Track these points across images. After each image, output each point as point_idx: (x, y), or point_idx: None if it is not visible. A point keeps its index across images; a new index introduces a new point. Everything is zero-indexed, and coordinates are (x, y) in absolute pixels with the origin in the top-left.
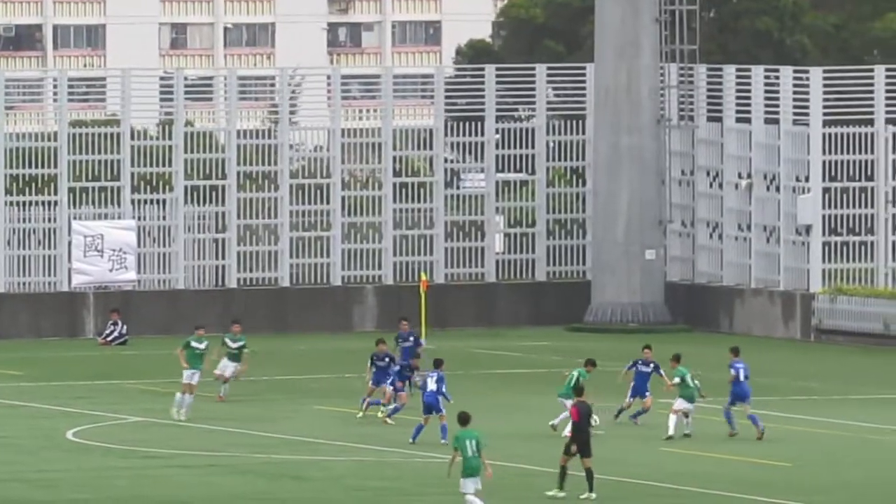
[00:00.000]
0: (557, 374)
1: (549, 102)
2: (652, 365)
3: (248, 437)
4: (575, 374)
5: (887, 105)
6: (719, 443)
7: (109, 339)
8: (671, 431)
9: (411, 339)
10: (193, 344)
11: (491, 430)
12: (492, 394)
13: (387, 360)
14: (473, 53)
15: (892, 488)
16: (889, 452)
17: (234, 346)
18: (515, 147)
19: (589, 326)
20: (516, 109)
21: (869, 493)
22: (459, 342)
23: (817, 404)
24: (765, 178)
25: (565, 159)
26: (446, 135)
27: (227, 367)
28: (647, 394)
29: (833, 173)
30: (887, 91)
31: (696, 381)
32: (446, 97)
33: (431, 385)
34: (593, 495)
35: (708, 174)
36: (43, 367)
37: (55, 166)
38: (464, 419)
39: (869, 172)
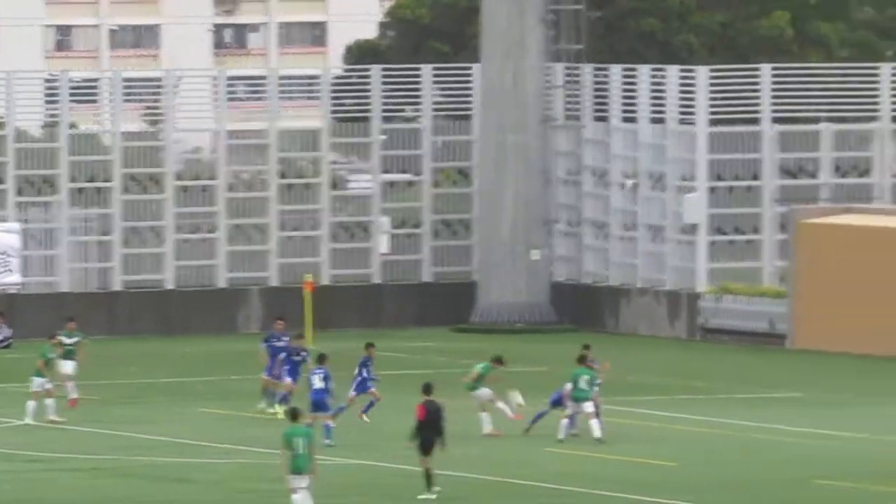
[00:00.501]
0: (443, 374)
1: (435, 103)
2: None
3: (132, 439)
4: (479, 367)
5: (773, 104)
6: (605, 443)
7: None
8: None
9: (284, 339)
10: (63, 339)
11: (375, 430)
12: (376, 395)
13: (284, 340)
14: (361, 53)
15: (777, 488)
16: (774, 452)
17: (70, 342)
18: (401, 148)
19: (475, 327)
20: (402, 110)
21: (754, 492)
22: (345, 343)
23: (702, 403)
24: (651, 177)
25: (451, 160)
26: (332, 136)
27: (65, 366)
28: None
29: (719, 172)
30: (773, 90)
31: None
32: (332, 98)
33: (318, 383)
34: (432, 496)
35: (594, 174)
36: None
37: None
38: (293, 415)
39: (754, 171)
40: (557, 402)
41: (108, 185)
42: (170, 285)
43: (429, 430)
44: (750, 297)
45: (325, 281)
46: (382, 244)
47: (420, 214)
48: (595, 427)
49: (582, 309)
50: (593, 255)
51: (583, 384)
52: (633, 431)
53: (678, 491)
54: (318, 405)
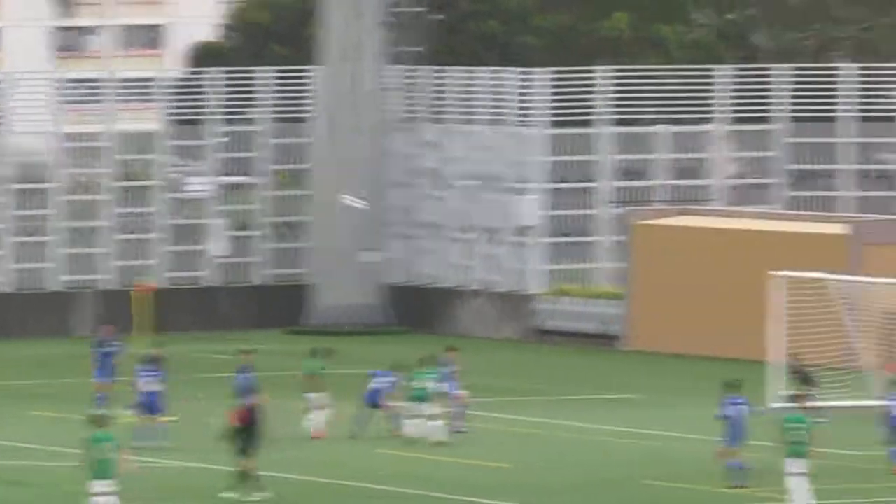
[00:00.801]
0: (278, 376)
1: (272, 106)
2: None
3: None
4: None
5: (611, 106)
6: (437, 445)
7: None
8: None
9: (115, 345)
10: None
11: (198, 432)
12: (209, 398)
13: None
14: (204, 55)
15: (613, 489)
16: (609, 454)
17: None
18: (238, 150)
19: (310, 329)
20: (240, 113)
21: (586, 493)
22: (181, 346)
23: (537, 405)
24: (488, 179)
25: (288, 163)
26: (169, 139)
27: None
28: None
29: (555, 174)
30: (612, 92)
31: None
32: (170, 101)
33: (151, 386)
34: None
35: (430, 176)
36: None
37: None
38: (98, 421)
39: (591, 173)
40: (373, 401)
41: None
42: (7, 289)
43: (248, 433)
44: (586, 298)
45: (161, 283)
46: (218, 247)
47: (256, 217)
48: (434, 430)
49: (417, 311)
50: (429, 257)
51: (423, 384)
52: (468, 433)
53: (511, 493)
54: (152, 407)
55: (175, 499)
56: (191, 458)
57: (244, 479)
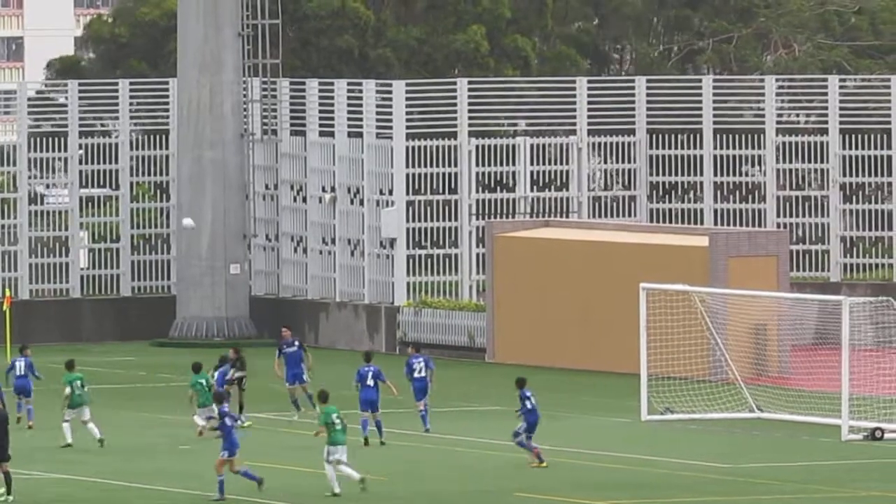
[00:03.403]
0: (143, 388)
1: (132, 118)
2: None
3: None
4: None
5: (469, 117)
6: (314, 456)
7: None
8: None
9: (296, 344)
10: None
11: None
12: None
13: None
14: (62, 68)
15: (480, 500)
16: (476, 464)
17: None
18: (99, 162)
19: (174, 341)
20: (100, 125)
21: None
22: (44, 358)
23: (404, 417)
24: (349, 191)
25: (149, 174)
26: (30, 151)
27: None
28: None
29: (416, 186)
30: (470, 104)
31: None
32: (29, 113)
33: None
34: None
35: (292, 188)
36: None
37: None
38: None
39: (452, 185)
40: None
41: None
42: None
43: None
44: (449, 310)
45: (24, 295)
46: (81, 258)
47: (119, 228)
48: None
49: (281, 323)
50: (292, 268)
51: (77, 389)
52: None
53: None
54: (23, 390)
55: None
56: (57, 468)
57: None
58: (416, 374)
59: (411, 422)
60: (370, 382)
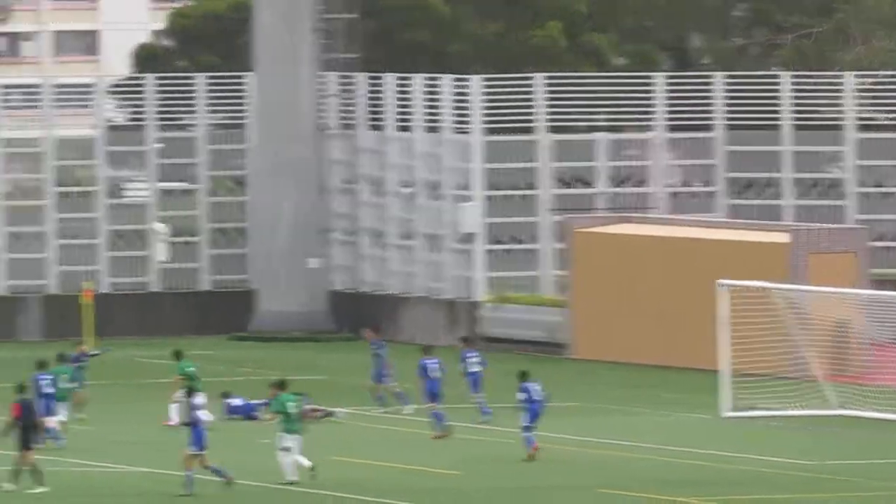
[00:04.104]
0: (221, 383)
1: (210, 112)
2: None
3: None
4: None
5: (548, 113)
6: (392, 452)
7: None
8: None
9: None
10: None
11: (147, 437)
12: (148, 402)
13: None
14: (140, 60)
15: (561, 495)
16: (554, 460)
17: None
18: (177, 156)
19: (253, 335)
20: (178, 119)
21: (538, 500)
22: (123, 351)
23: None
24: (427, 186)
25: (226, 169)
26: (107, 144)
27: None
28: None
29: (495, 182)
30: (548, 99)
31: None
32: (107, 106)
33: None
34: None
35: (370, 183)
36: None
37: None
38: None
39: (531, 181)
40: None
41: None
42: None
43: (25, 427)
44: (529, 306)
45: (103, 289)
46: (160, 252)
47: (197, 223)
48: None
49: (360, 317)
50: (371, 263)
51: (62, 384)
52: (415, 440)
53: (463, 498)
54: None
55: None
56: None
57: (26, 473)
58: (470, 369)
59: (493, 419)
60: (434, 375)
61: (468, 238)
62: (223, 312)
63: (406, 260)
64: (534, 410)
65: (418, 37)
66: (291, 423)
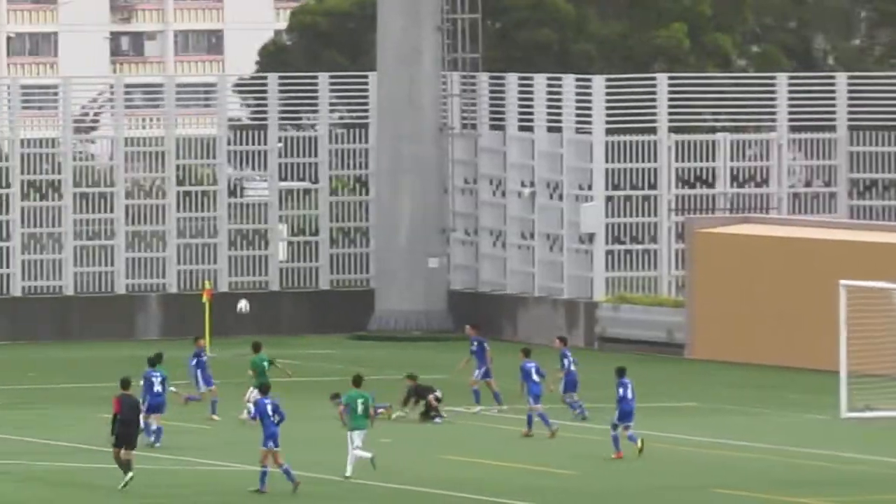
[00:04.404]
0: (340, 382)
1: (331, 111)
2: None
3: (32, 444)
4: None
5: (670, 114)
6: (507, 452)
7: None
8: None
9: (475, 343)
10: None
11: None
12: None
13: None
14: (264, 58)
15: (676, 495)
16: (671, 461)
17: None
18: (298, 156)
19: (373, 335)
20: (299, 118)
21: (652, 500)
22: (242, 350)
23: (600, 412)
24: (548, 186)
25: (348, 168)
26: (229, 144)
27: None
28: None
29: (616, 182)
30: (670, 99)
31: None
32: (229, 105)
33: (158, 386)
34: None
35: (491, 182)
36: None
37: None
38: None
39: (652, 181)
40: None
41: (7, 191)
42: (69, 291)
43: (126, 424)
44: (648, 306)
45: (223, 288)
46: (280, 251)
47: (317, 222)
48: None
49: (479, 317)
50: (490, 263)
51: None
52: (532, 440)
53: (577, 498)
54: (158, 407)
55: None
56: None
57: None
58: (571, 368)
59: (604, 417)
60: (535, 378)
61: (588, 238)
62: (342, 312)
63: (525, 260)
64: (623, 409)
65: (541, 35)
66: (358, 419)
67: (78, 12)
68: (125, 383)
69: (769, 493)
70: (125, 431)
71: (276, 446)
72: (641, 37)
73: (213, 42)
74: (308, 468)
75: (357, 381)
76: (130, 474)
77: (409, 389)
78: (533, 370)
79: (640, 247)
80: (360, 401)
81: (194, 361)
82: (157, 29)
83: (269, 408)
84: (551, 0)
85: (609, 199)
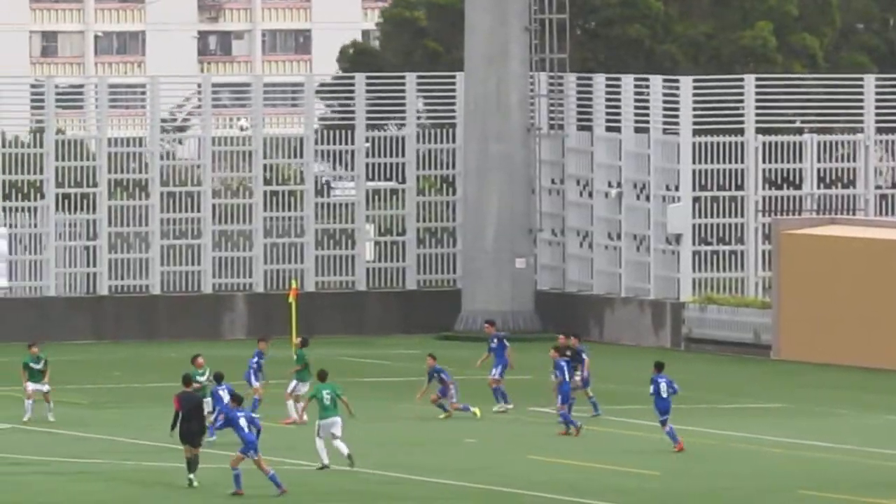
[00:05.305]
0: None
1: (419, 111)
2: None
3: (118, 443)
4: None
5: (757, 114)
6: (587, 452)
7: None
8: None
9: (495, 340)
10: (31, 365)
11: (351, 436)
12: (357, 401)
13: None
14: (355, 55)
15: (762, 497)
16: (757, 462)
17: (37, 366)
18: (386, 155)
19: (459, 335)
20: (387, 118)
21: (737, 501)
22: (328, 350)
23: (686, 413)
24: (635, 186)
25: (435, 168)
26: (316, 143)
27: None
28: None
29: (703, 182)
30: (757, 100)
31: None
32: (317, 105)
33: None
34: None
35: (578, 183)
36: None
37: None
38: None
39: (739, 182)
40: None
41: (94, 190)
42: (156, 290)
43: (187, 421)
44: (734, 307)
45: (309, 288)
46: (367, 251)
47: (404, 222)
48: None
49: (566, 318)
50: (577, 263)
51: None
52: (617, 441)
53: (660, 500)
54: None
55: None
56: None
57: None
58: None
59: (690, 419)
60: (664, 394)
61: (675, 239)
62: (429, 312)
63: (612, 260)
64: (660, 405)
65: (631, 32)
66: (327, 409)
67: (165, 11)
68: (187, 380)
69: (855, 496)
70: (186, 428)
71: (257, 454)
72: (727, 37)
73: (300, 41)
74: (389, 468)
75: (322, 375)
76: (191, 475)
77: (430, 370)
78: (663, 385)
79: (726, 248)
80: (325, 392)
81: (255, 361)
82: (245, 28)
83: (242, 420)
84: None
85: (696, 199)
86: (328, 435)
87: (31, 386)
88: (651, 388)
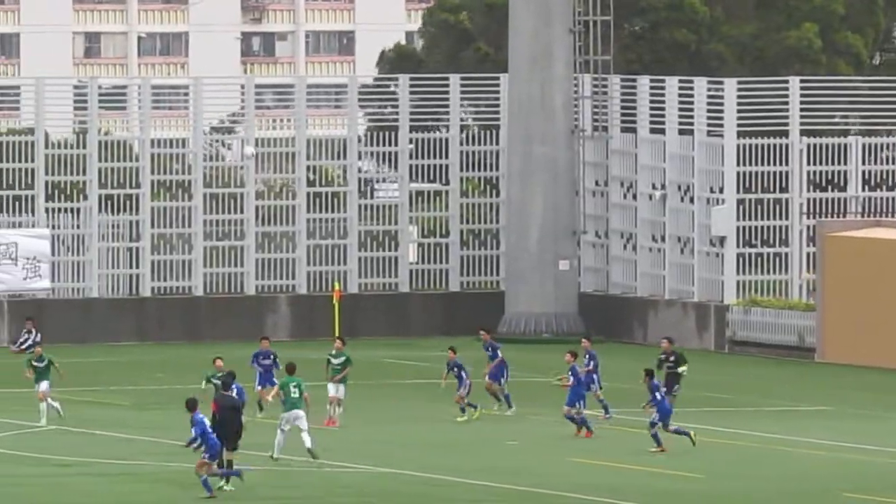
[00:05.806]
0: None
1: (463, 112)
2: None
3: (161, 445)
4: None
5: (802, 116)
6: (629, 454)
7: (24, 346)
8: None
9: (490, 349)
10: (34, 363)
11: (394, 438)
12: (399, 403)
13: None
14: (397, 58)
15: (807, 500)
16: (802, 464)
17: (41, 364)
18: (429, 157)
19: (503, 337)
20: (430, 119)
21: None
22: (371, 351)
23: (730, 416)
24: (679, 188)
25: (479, 169)
26: (360, 144)
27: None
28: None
29: (747, 185)
30: (802, 102)
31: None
32: (360, 107)
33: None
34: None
35: (622, 185)
36: None
37: None
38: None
39: (783, 184)
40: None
41: (137, 191)
42: (199, 292)
43: (224, 425)
44: (779, 309)
45: (352, 289)
46: (410, 253)
47: (448, 224)
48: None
49: (610, 320)
50: (621, 266)
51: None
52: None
53: (705, 502)
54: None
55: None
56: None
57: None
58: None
59: (734, 421)
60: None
61: (719, 241)
62: (472, 313)
63: (656, 262)
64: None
65: (677, 35)
66: (293, 401)
67: (208, 12)
68: (226, 384)
69: None
70: (223, 432)
71: (215, 459)
72: (772, 37)
73: (344, 43)
74: (433, 470)
75: (290, 369)
76: (222, 482)
77: (449, 363)
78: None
79: (770, 250)
80: (292, 385)
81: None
82: (289, 29)
83: (207, 425)
84: (688, 1)
85: (740, 202)
86: (293, 427)
87: (42, 386)
88: (657, 396)
